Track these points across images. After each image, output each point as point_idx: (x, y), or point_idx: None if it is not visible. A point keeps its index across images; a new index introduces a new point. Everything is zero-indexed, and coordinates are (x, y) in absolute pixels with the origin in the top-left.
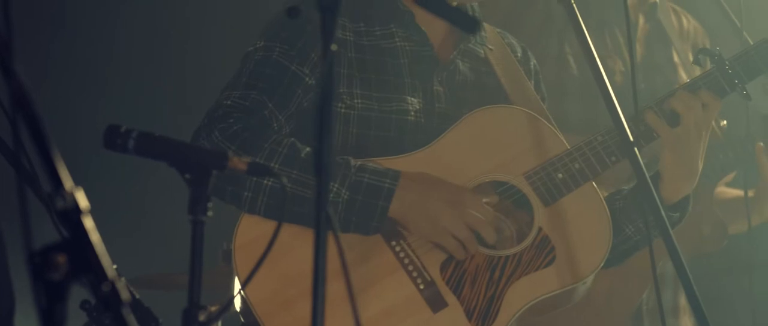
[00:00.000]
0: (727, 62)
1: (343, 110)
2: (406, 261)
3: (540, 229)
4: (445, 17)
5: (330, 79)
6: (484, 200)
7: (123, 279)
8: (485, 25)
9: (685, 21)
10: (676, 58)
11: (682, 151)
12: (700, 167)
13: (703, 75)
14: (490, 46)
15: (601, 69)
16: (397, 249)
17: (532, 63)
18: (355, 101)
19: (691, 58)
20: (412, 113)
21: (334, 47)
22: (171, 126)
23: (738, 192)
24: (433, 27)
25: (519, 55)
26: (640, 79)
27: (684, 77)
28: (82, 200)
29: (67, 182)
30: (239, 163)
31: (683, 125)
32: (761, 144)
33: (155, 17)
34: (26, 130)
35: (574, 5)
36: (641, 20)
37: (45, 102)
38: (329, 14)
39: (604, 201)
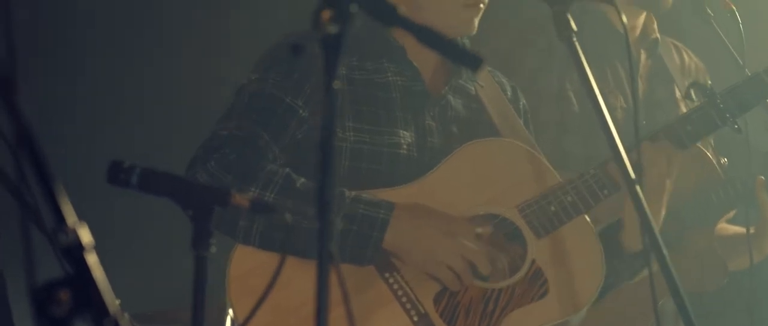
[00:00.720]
0: (718, 96)
1: (335, 144)
2: (400, 292)
3: (533, 262)
4: (451, 57)
5: (332, 117)
6: (478, 230)
7: (126, 314)
8: None
9: (686, 57)
10: (677, 94)
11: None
12: (662, 216)
13: (695, 109)
14: (481, 83)
15: (602, 105)
16: (391, 280)
17: (521, 102)
18: (347, 134)
19: (693, 95)
20: (405, 147)
21: (337, 85)
22: (174, 161)
23: (739, 229)
24: (425, 62)
25: (508, 94)
26: (642, 116)
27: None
28: (86, 236)
29: (71, 218)
30: (242, 199)
31: (646, 177)
32: (762, 178)
33: (161, 52)
34: (29, 165)
35: (576, 41)
36: (643, 56)
37: (48, 136)
38: (332, 52)
39: (596, 234)
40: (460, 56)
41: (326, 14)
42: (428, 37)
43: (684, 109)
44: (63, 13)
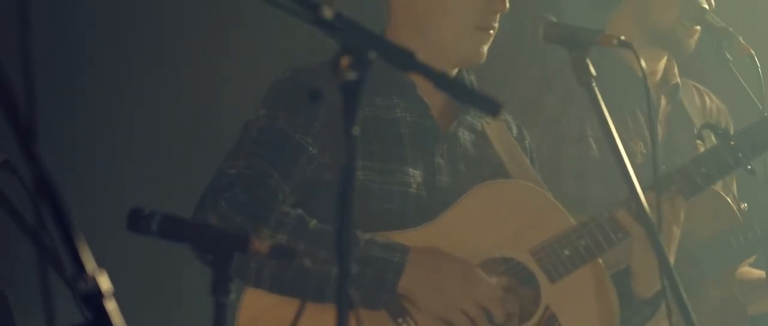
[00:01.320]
0: (731, 137)
1: None
2: None
3: (547, 307)
4: (469, 102)
5: (352, 164)
6: (493, 279)
7: None
8: None
9: (708, 100)
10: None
11: (648, 250)
12: (672, 262)
13: (708, 151)
14: (488, 121)
15: (621, 150)
16: None
17: (527, 141)
18: (357, 173)
19: (713, 138)
20: (414, 186)
21: (356, 131)
22: (191, 205)
23: (759, 273)
24: (435, 98)
25: (514, 132)
26: (661, 161)
27: None
28: (105, 283)
29: (90, 264)
30: (261, 245)
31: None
32: None
33: (179, 99)
34: (49, 213)
35: (595, 87)
36: (663, 101)
37: (68, 183)
38: (352, 99)
39: (609, 278)
40: (478, 101)
41: (345, 61)
42: (446, 83)
43: None
44: (82, 56)
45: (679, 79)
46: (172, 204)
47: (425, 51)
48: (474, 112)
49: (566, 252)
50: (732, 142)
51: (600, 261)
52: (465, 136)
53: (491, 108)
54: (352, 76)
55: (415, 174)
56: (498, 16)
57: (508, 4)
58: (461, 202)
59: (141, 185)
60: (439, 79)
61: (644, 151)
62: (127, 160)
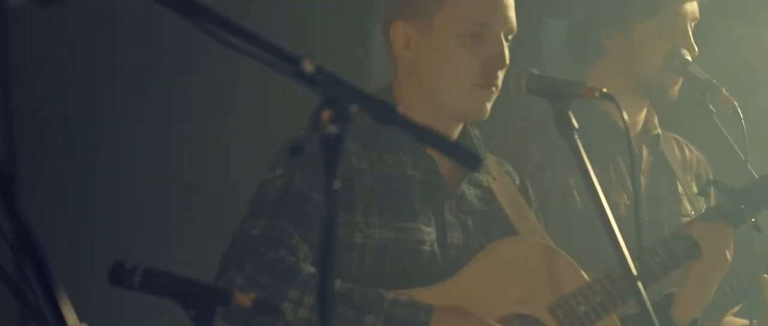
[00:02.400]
0: (735, 193)
1: (359, 240)
2: None
3: None
4: (450, 155)
5: (333, 218)
6: None
7: None
8: (487, 154)
9: (687, 152)
10: (680, 189)
11: (705, 278)
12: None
13: (716, 208)
14: (494, 175)
15: (603, 201)
16: None
17: (530, 191)
18: (372, 231)
19: (695, 189)
20: (427, 243)
21: (337, 185)
22: (176, 262)
23: (743, 322)
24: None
25: (517, 183)
26: (645, 211)
27: (688, 208)
28: None
29: (71, 319)
30: (244, 299)
31: (706, 254)
32: (766, 276)
33: (164, 152)
34: (30, 267)
35: (577, 139)
36: (645, 152)
37: (50, 236)
38: (332, 152)
39: None
40: (459, 155)
41: (326, 114)
42: (428, 136)
43: (687, 204)
44: (65, 103)
45: (659, 130)
46: (155, 258)
47: (428, 107)
48: (481, 167)
49: (582, 308)
50: (738, 200)
51: (614, 316)
52: (471, 191)
53: (472, 162)
54: (333, 129)
55: (429, 232)
56: (499, 73)
57: (507, 61)
58: (478, 260)
59: (123, 238)
60: (420, 133)
61: (627, 202)
62: (110, 212)
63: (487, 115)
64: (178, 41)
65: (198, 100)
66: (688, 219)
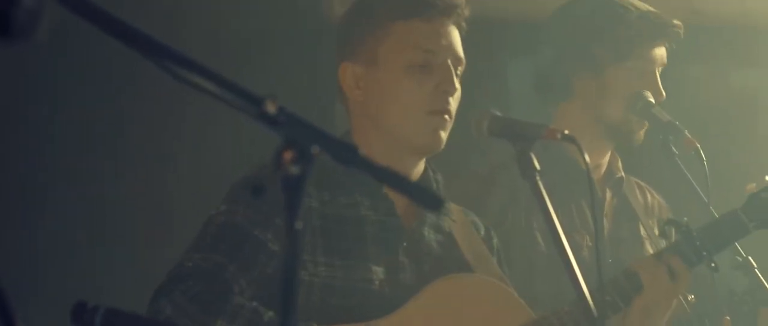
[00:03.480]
0: (694, 233)
1: (306, 278)
2: None
3: None
4: (411, 196)
5: (295, 258)
6: None
7: None
8: (449, 203)
9: (649, 196)
10: (642, 232)
11: (647, 313)
12: None
13: (670, 246)
14: (453, 219)
15: (565, 244)
16: None
17: (494, 241)
18: (319, 269)
19: (657, 232)
20: (377, 282)
21: (299, 225)
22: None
23: None
24: (400, 195)
25: (482, 232)
26: (607, 254)
27: (650, 251)
28: None
29: None
30: None
31: (647, 288)
32: (728, 318)
33: (131, 193)
34: None
35: (539, 181)
36: (608, 195)
37: (13, 277)
38: (294, 193)
39: None
40: (420, 196)
41: (288, 155)
42: (388, 177)
43: (649, 247)
44: (28, 158)
45: (623, 174)
46: (117, 297)
47: (384, 144)
48: (441, 210)
49: None
50: (696, 239)
51: None
52: (430, 234)
53: (433, 204)
54: (294, 170)
55: (378, 271)
56: (450, 99)
57: (457, 86)
58: (421, 295)
59: (85, 278)
60: (380, 174)
61: (590, 244)
62: (70, 252)
63: (443, 144)
64: (127, 87)
65: (142, 145)
66: None
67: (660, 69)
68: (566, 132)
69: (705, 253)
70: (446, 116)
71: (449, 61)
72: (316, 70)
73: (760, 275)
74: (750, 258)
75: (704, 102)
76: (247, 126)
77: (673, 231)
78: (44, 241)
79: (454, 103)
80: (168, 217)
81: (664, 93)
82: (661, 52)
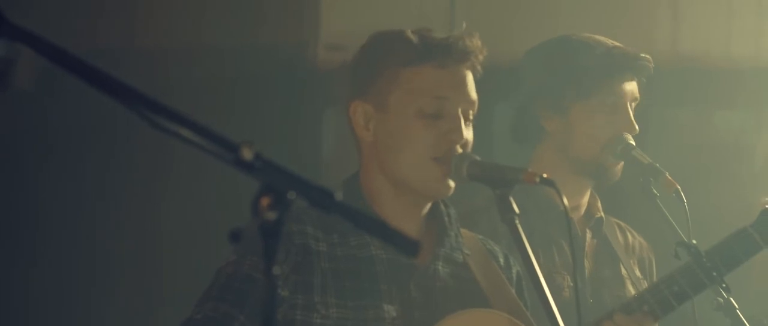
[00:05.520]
0: (704, 254)
1: (318, 321)
2: None
3: None
4: (388, 241)
5: (273, 303)
6: None
7: None
8: (463, 231)
9: (630, 236)
10: (623, 272)
11: None
12: None
13: (680, 269)
14: (467, 251)
15: (544, 287)
16: None
17: (514, 270)
18: (330, 310)
19: (637, 273)
20: (389, 321)
21: (277, 270)
22: None
23: None
24: (409, 233)
25: (501, 261)
26: (588, 294)
27: (631, 291)
28: None
29: None
30: None
31: None
32: None
33: (122, 238)
34: None
35: (518, 224)
36: (588, 235)
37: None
38: (272, 238)
39: None
40: (397, 241)
41: (265, 201)
42: (365, 222)
43: (630, 288)
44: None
45: (603, 214)
46: None
47: (392, 187)
48: (453, 244)
49: None
50: (706, 260)
51: None
52: (445, 269)
53: (409, 248)
54: (271, 216)
55: (390, 310)
56: (458, 147)
57: (466, 134)
58: None
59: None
60: (357, 219)
61: (571, 284)
62: (62, 297)
63: (451, 191)
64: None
65: (133, 188)
66: None
67: (633, 103)
68: (545, 175)
69: (715, 274)
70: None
71: (460, 109)
72: (301, 117)
73: (741, 316)
74: (731, 299)
75: (688, 144)
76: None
77: (684, 253)
78: (36, 288)
79: (462, 150)
80: (158, 261)
81: (636, 127)
82: (629, 86)
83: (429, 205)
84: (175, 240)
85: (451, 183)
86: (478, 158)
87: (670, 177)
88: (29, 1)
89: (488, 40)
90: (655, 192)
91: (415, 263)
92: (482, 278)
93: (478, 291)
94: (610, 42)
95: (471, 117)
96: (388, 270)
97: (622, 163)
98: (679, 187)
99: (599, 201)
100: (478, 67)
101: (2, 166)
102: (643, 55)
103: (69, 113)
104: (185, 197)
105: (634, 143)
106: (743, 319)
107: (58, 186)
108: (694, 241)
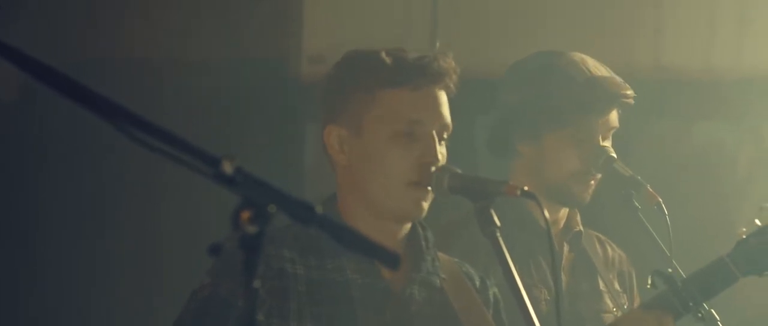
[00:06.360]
0: (680, 283)
1: None
2: None
3: None
4: (369, 255)
5: (253, 318)
6: None
7: None
8: (440, 254)
9: (609, 249)
10: (601, 286)
11: None
12: None
13: (656, 297)
14: (443, 275)
15: (525, 299)
16: None
17: (490, 292)
18: None
19: (617, 286)
20: None
21: (257, 284)
22: None
23: None
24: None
25: (477, 284)
26: (566, 309)
27: (609, 304)
28: None
29: None
30: None
31: None
32: None
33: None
34: None
35: (499, 237)
36: (566, 249)
37: None
38: (252, 252)
39: None
40: (377, 254)
41: (245, 214)
42: (345, 237)
43: (608, 301)
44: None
45: (581, 227)
46: None
47: (367, 210)
48: (429, 268)
49: None
50: (681, 289)
51: None
52: (420, 294)
53: (390, 261)
54: (251, 229)
55: None
56: (432, 169)
57: (441, 156)
58: None
59: None
60: (337, 233)
61: (548, 298)
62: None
63: (424, 213)
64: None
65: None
66: (610, 315)
67: (610, 133)
68: (526, 188)
69: (691, 303)
70: (429, 188)
71: (434, 131)
72: (284, 130)
73: None
74: (713, 310)
75: (669, 156)
76: None
77: (659, 281)
78: (37, 289)
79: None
80: (158, 261)
81: (612, 152)
82: (606, 120)
83: (407, 228)
84: (175, 240)
85: (425, 206)
86: (458, 171)
87: (651, 190)
88: (16, 12)
89: (471, 53)
90: (637, 205)
91: (391, 288)
92: (457, 303)
93: (453, 316)
94: (594, 69)
95: (445, 137)
96: (365, 295)
97: (592, 188)
98: (660, 200)
99: (578, 215)
100: (452, 87)
101: (2, 169)
102: (624, 90)
103: (66, 115)
104: (185, 197)
105: (615, 156)
106: None
107: (58, 187)
108: (673, 260)
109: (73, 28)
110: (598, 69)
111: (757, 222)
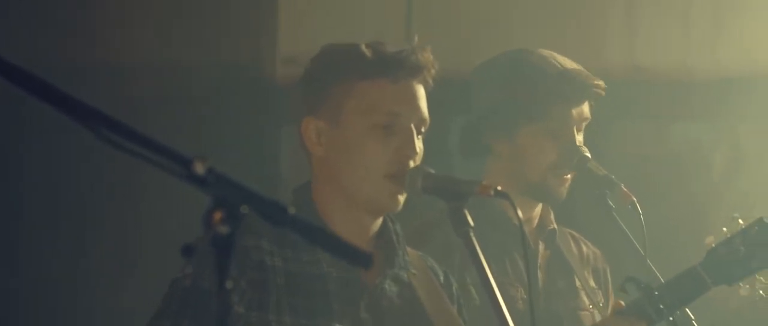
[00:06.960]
0: (654, 290)
1: None
2: None
3: None
4: (341, 255)
5: (226, 318)
6: None
7: None
8: (408, 248)
9: (584, 247)
10: (577, 284)
11: None
12: None
13: (631, 304)
14: (414, 271)
15: (499, 299)
16: None
17: (454, 287)
18: None
19: (592, 284)
20: None
21: (229, 285)
22: None
23: None
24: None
25: (441, 279)
26: (542, 307)
27: (586, 302)
28: None
29: None
30: None
31: None
32: None
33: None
34: None
35: (473, 237)
36: (541, 247)
37: None
38: (224, 252)
39: None
40: (350, 254)
41: (217, 215)
42: (318, 237)
43: (584, 298)
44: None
45: (555, 225)
46: None
47: (343, 202)
48: (400, 263)
49: None
50: (655, 296)
51: None
52: (392, 288)
53: (363, 261)
54: (223, 229)
55: None
56: (410, 163)
57: (418, 149)
58: None
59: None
60: (310, 234)
61: (524, 296)
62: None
63: (400, 206)
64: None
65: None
66: (587, 312)
67: (583, 124)
68: (499, 188)
69: (664, 309)
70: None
71: (413, 124)
72: (259, 132)
73: None
74: (687, 309)
75: (644, 156)
76: None
77: (633, 288)
78: (29, 288)
79: (414, 164)
80: (138, 270)
81: (586, 151)
82: (579, 110)
83: (379, 222)
84: (155, 240)
85: (401, 199)
86: (432, 171)
87: (625, 189)
88: None
89: (444, 53)
90: (611, 204)
91: (364, 282)
92: (425, 297)
93: (422, 312)
94: (564, 62)
95: (423, 130)
96: (339, 288)
97: (568, 183)
98: (634, 199)
99: (552, 213)
100: (430, 81)
101: None
102: (595, 81)
103: (45, 116)
104: (165, 198)
105: (589, 155)
106: None
107: (38, 188)
108: (647, 259)
109: (48, 32)
110: (568, 62)
111: (725, 230)
